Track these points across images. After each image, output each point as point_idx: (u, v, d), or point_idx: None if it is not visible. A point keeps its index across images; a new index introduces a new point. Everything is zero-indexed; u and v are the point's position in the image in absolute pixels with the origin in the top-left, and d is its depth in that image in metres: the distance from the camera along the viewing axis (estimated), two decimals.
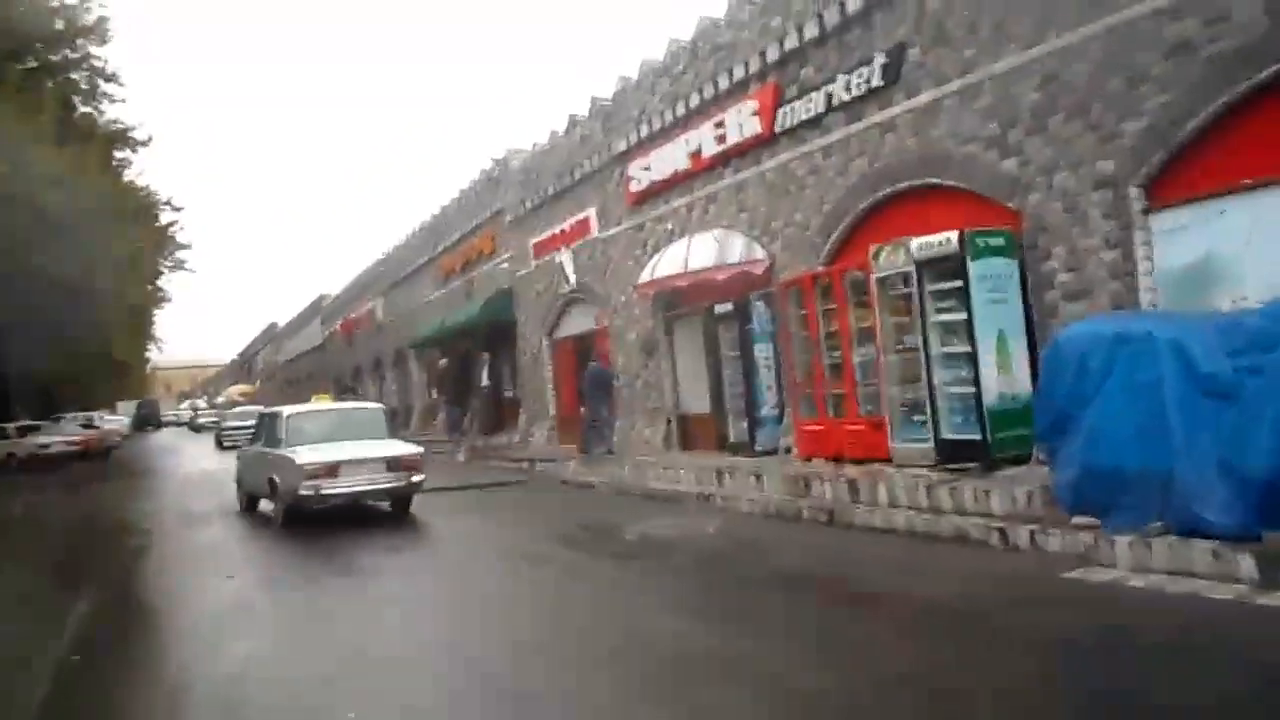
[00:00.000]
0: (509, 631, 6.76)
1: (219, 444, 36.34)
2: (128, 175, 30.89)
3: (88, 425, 41.00)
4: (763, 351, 13.72)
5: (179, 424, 68.54)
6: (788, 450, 13.27)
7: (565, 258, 19.75)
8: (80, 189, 25.42)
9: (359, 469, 12.11)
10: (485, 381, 22.74)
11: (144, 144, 30.33)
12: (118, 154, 30.76)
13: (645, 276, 15.48)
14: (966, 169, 10.38)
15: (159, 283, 39.29)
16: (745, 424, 13.89)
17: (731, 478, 12.23)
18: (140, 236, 29.96)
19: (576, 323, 20.29)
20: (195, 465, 27.60)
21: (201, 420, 56.11)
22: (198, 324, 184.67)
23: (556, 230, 20.14)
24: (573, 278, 19.62)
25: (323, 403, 15.30)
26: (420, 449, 13.02)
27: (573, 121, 19.30)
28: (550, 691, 5.25)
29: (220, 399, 70.06)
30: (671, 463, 14.19)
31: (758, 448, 13.56)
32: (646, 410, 17.42)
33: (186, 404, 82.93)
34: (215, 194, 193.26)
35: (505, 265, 22.84)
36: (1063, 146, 9.21)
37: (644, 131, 16.42)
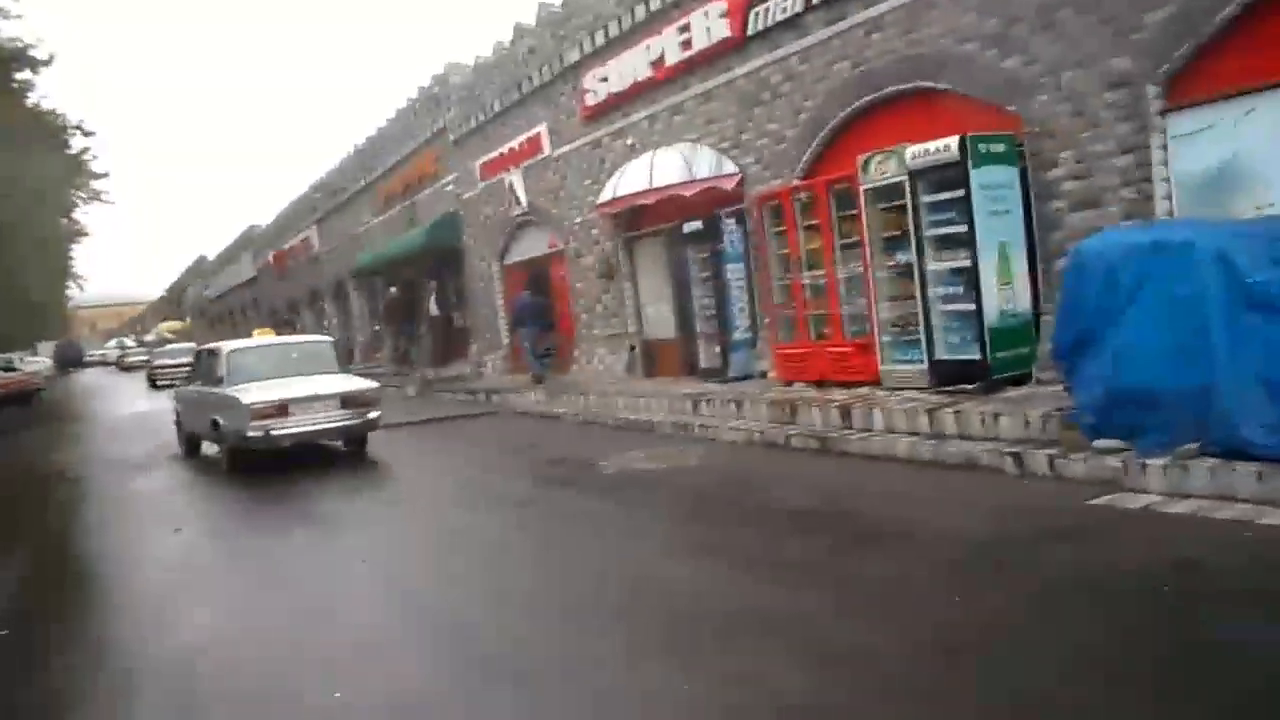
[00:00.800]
0: (498, 587, 6.10)
1: (151, 383, 34.85)
2: (30, 99, 28.63)
3: (7, 368, 39.08)
4: (735, 272, 13.04)
5: (106, 364, 66.18)
6: (763, 375, 12.73)
7: (515, 178, 18.72)
8: None
9: (310, 407, 11.27)
10: (434, 311, 21.74)
11: (45, 63, 28.05)
12: (17, 76, 28.48)
13: (606, 195, 14.61)
14: (963, 71, 9.66)
15: (74, 215, 37.17)
16: (717, 349, 13.27)
17: (709, 405, 11.64)
18: (49, 165, 27.98)
19: (529, 246, 19.36)
20: (128, 407, 26.30)
21: (130, 359, 53.97)
22: (122, 260, 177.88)
23: (505, 149, 19.05)
24: (524, 199, 18.63)
25: (266, 337, 14.22)
26: (375, 384, 12.18)
27: (519, 31, 18.10)
28: (561, 664, 4.60)
29: (150, 337, 67.44)
30: (639, 391, 13.55)
31: (731, 374, 12.98)
32: (606, 337, 16.71)
33: (114, 342, 79.93)
34: (134, 121, 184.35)
35: (450, 188, 21.69)
36: (1072, 43, 8.52)
37: (599, 40, 15.36)
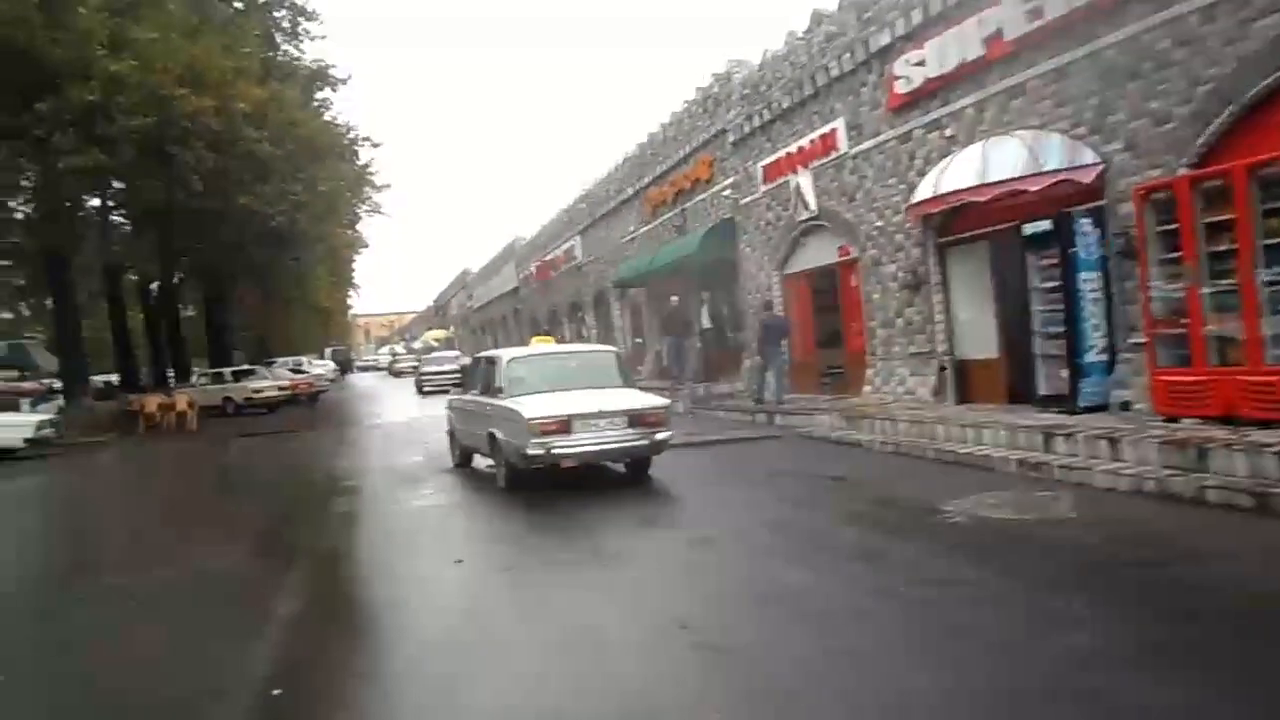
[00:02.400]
0: (889, 689, 4.38)
1: (419, 389, 36.00)
2: (328, 115, 30.22)
3: (296, 370, 41.89)
4: (1089, 281, 10.74)
5: (378, 369, 70.68)
6: (1125, 406, 10.38)
7: (803, 180, 17.06)
8: (283, 127, 24.69)
9: (595, 424, 10.05)
10: (705, 323, 20.44)
11: (343, 82, 29.59)
12: (318, 94, 30.12)
13: (922, 193, 12.63)
14: None
15: (358, 227, 39.26)
16: (1062, 372, 10.96)
17: (1068, 441, 9.43)
18: (340, 176, 29.30)
19: (814, 255, 17.63)
20: (398, 412, 26.83)
21: (400, 365, 56.98)
22: (393, 271, 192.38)
23: (792, 149, 17.45)
24: (812, 202, 16.92)
25: (546, 344, 13.28)
26: (665, 401, 10.83)
27: (816, 18, 16.44)
28: None
29: (417, 344, 71.35)
30: (963, 418, 11.45)
31: (1081, 402, 10.67)
32: (908, 355, 14.66)
33: (385, 349, 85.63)
34: (406, 138, 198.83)
35: (727, 193, 20.35)
36: None
37: (917, 18, 13.44)
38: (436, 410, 25.71)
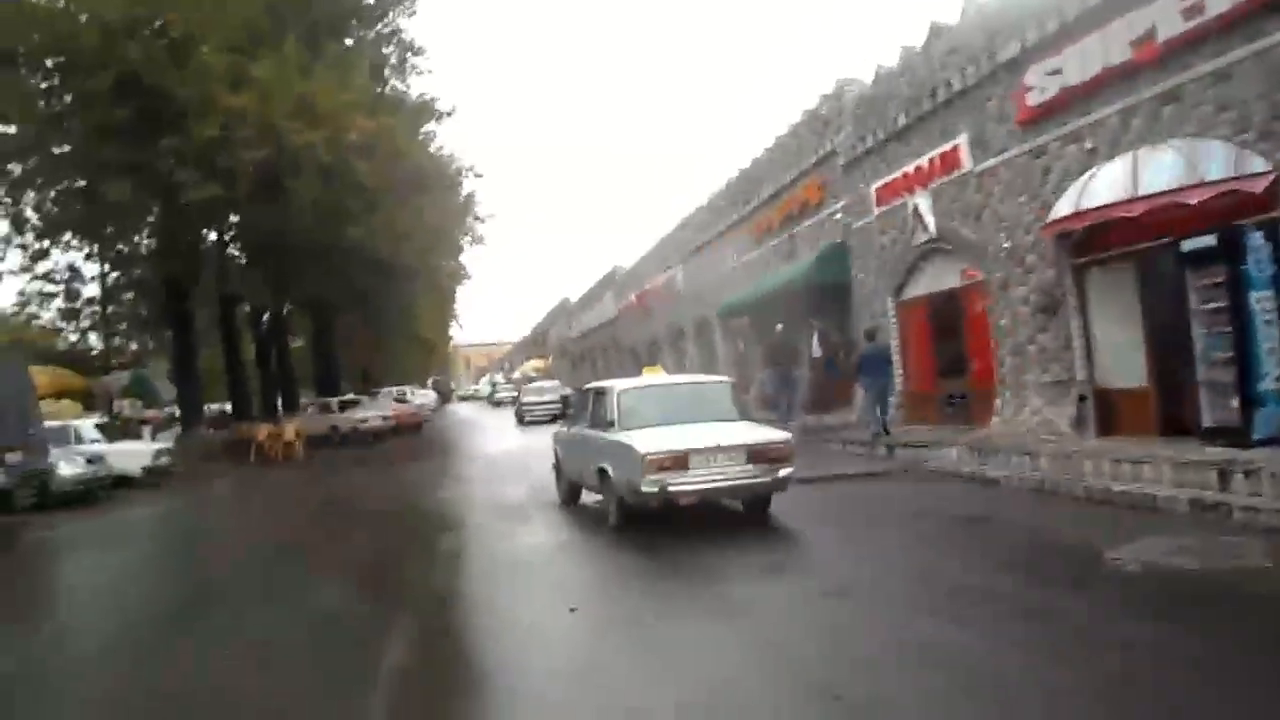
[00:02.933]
0: None
1: (519, 419, 35.93)
2: (432, 147, 30.52)
3: (400, 400, 42.41)
4: (1263, 302, 9.67)
5: (478, 398, 71.50)
6: None
7: (922, 201, 16.21)
8: (390, 160, 24.95)
9: (713, 459, 9.45)
10: (816, 352, 19.66)
11: (448, 115, 29.84)
12: (424, 127, 30.46)
13: (1063, 210, 11.70)
14: None
15: (460, 259, 39.60)
16: (1233, 402, 9.88)
17: (1248, 479, 8.41)
18: (445, 207, 29.51)
19: (934, 279, 16.72)
20: (500, 442, 26.71)
21: (500, 395, 57.38)
22: (493, 302, 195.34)
23: (909, 169, 16.63)
24: (932, 224, 16.05)
25: (657, 375, 12.74)
26: (787, 435, 10.15)
27: (935, 30, 15.66)
28: None
29: (516, 374, 71.95)
30: (1117, 453, 10.43)
31: (1256, 434, 9.56)
32: (1042, 384, 13.64)
33: (485, 379, 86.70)
34: (507, 164, 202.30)
35: (839, 217, 19.58)
36: None
37: (1052, 26, 12.57)
38: (538, 441, 25.49)
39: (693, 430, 9.87)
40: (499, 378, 78.15)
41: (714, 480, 9.43)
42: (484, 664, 6.07)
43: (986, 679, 4.94)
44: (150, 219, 25.71)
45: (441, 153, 30.29)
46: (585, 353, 57.16)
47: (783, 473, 9.65)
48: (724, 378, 11.82)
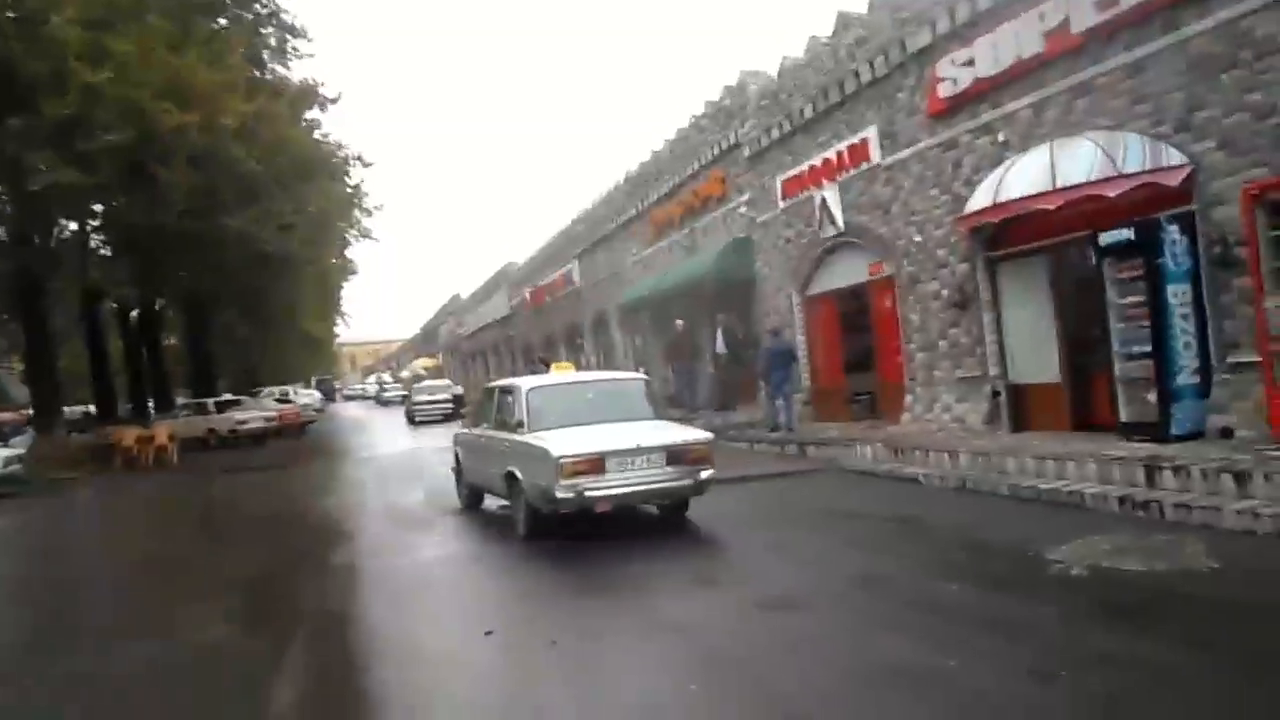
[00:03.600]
0: None
1: (410, 419, 34.76)
2: (317, 135, 28.98)
3: (283, 400, 40.47)
4: (1179, 295, 9.65)
5: (366, 398, 69.23)
6: (1226, 433, 9.29)
7: (829, 194, 15.95)
8: (269, 145, 23.49)
9: (632, 462, 8.85)
10: (720, 348, 19.26)
11: (333, 101, 28.31)
12: (307, 115, 28.90)
13: (979, 203, 11.51)
14: None
15: (347, 253, 37.99)
16: (1150, 396, 9.81)
17: (1179, 476, 8.27)
18: (330, 197, 28.01)
19: (841, 274, 16.50)
20: (391, 444, 25.57)
21: (388, 394, 55.59)
22: (379, 299, 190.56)
23: (815, 162, 16.36)
24: (839, 218, 15.81)
25: (566, 372, 12.03)
26: (708, 435, 9.60)
27: (843, 20, 15.39)
28: None
29: (405, 373, 69.90)
30: (1028, 449, 10.27)
31: (1174, 430, 9.53)
32: (955, 381, 13.51)
33: (372, 378, 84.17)
34: (392, 159, 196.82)
35: (743, 210, 19.21)
36: None
37: (964, 13, 12.40)
38: (431, 441, 24.56)
39: (608, 431, 9.26)
40: (386, 376, 75.95)
41: (632, 484, 8.83)
42: (390, 703, 5.30)
43: (977, 707, 4.45)
44: None
45: (327, 140, 28.72)
46: (477, 351, 55.85)
47: (704, 474, 9.11)
48: (638, 375, 11.22)
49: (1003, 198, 10.97)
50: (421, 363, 69.69)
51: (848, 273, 16.26)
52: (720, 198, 20.47)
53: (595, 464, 8.70)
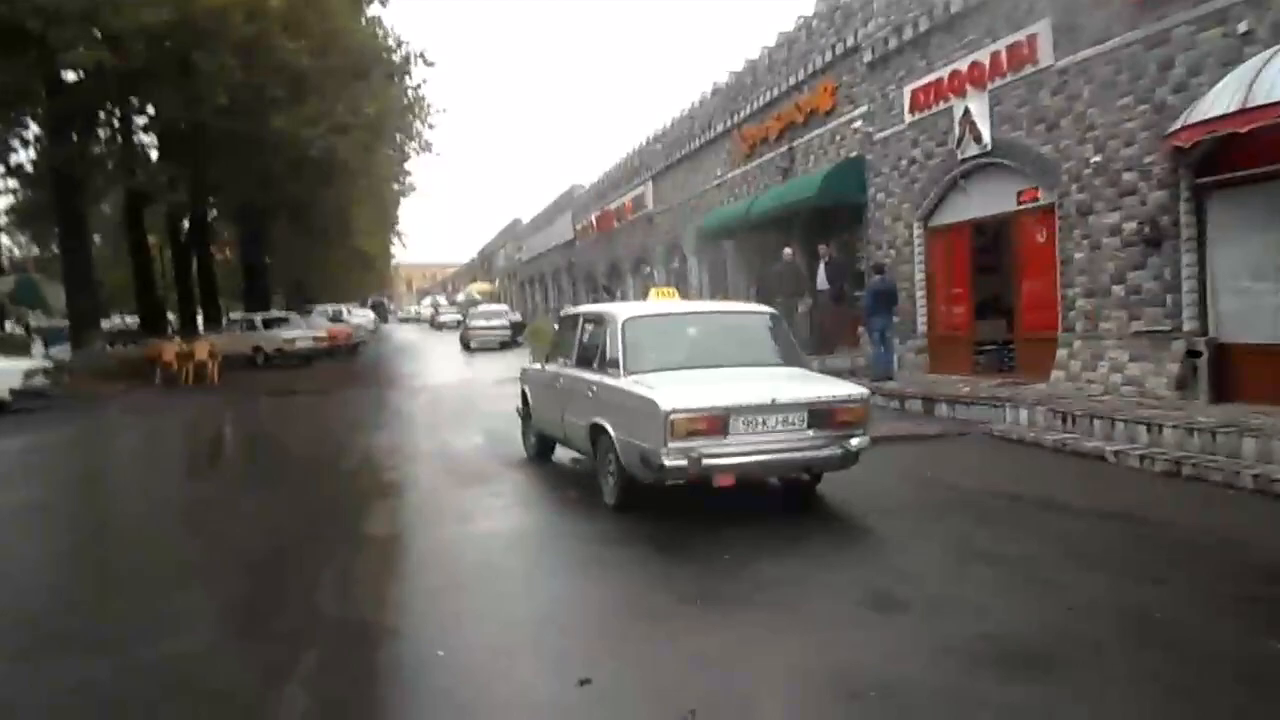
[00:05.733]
0: None
1: (464, 345, 32.99)
2: (378, 32, 26.57)
3: (335, 319, 38.90)
4: None
5: (420, 320, 67.73)
6: None
7: (975, 105, 13.34)
8: (322, 38, 21.25)
9: (764, 422, 6.64)
10: (823, 284, 16.84)
11: None
12: (366, 11, 26.55)
13: (1214, 108, 8.87)
14: None
15: (406, 166, 35.75)
16: None
17: None
18: (389, 99, 25.70)
19: (980, 202, 13.92)
20: (445, 372, 23.74)
21: (443, 318, 53.95)
22: (438, 220, 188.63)
23: (959, 66, 13.69)
24: (987, 134, 13.21)
25: (670, 300, 9.64)
26: (864, 390, 7.31)
27: None
28: None
29: (460, 297, 68.12)
30: (1246, 423, 7.84)
31: None
32: (1131, 335, 11.02)
33: (427, 300, 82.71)
34: (457, 72, 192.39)
35: (857, 124, 16.59)
36: None
37: None
38: (489, 371, 22.62)
39: (731, 379, 7.06)
40: (442, 299, 74.38)
41: (765, 450, 6.63)
42: None
43: None
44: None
45: (386, 36, 26.27)
46: (536, 276, 53.79)
47: (855, 442, 6.87)
48: (765, 308, 8.87)
49: (1260, 99, 8.33)
50: (478, 287, 67.96)
51: (989, 200, 13.67)
52: (829, 111, 17.84)
53: (717, 422, 6.51)
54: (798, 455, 6.76)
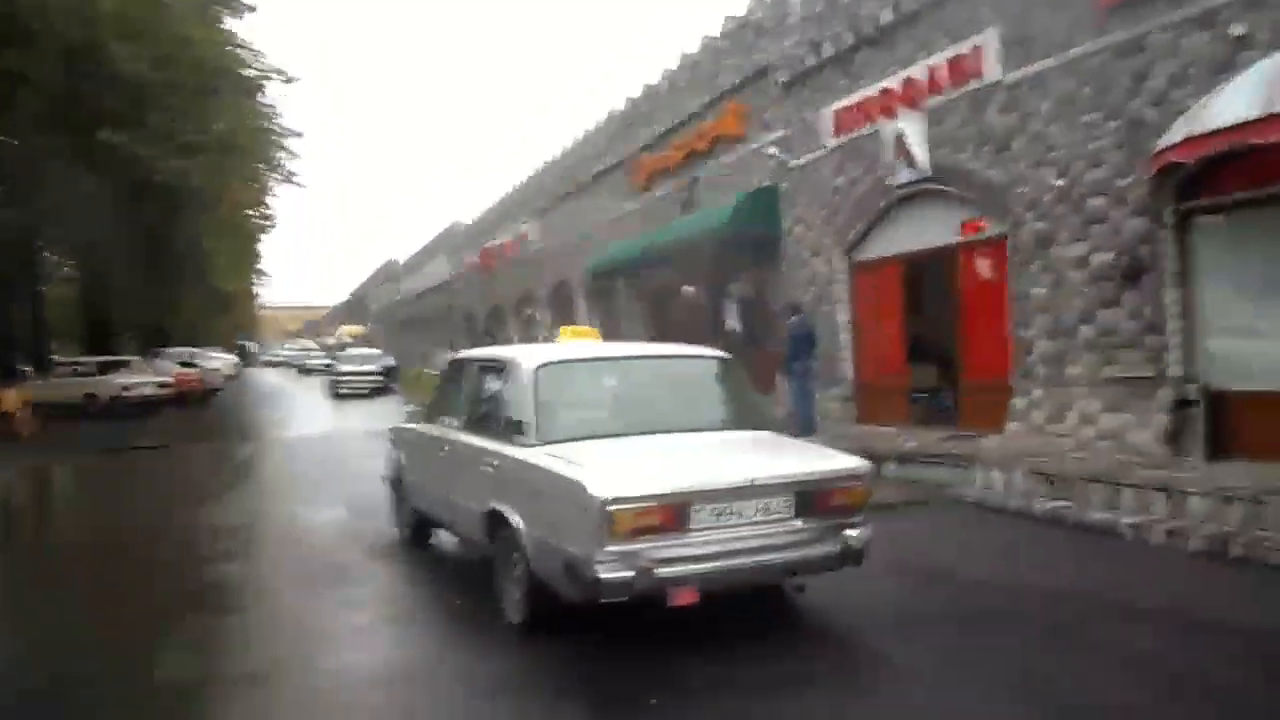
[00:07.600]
0: None
1: (334, 391, 30.32)
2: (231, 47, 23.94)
3: (187, 364, 35.29)
4: None
5: (287, 365, 63.74)
6: None
7: (909, 127, 11.99)
8: (169, 45, 18.71)
9: (739, 510, 4.76)
10: (733, 326, 15.19)
11: (250, 9, 23.32)
12: (221, 21, 23.91)
13: (1225, 118, 7.55)
14: None
15: (267, 199, 32.84)
16: None
17: None
18: (242, 114, 23.02)
19: (913, 232, 12.55)
20: (309, 423, 21.15)
21: (310, 362, 50.51)
22: (307, 262, 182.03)
23: (889, 84, 12.36)
24: (923, 158, 11.86)
25: (587, 340, 7.56)
26: (863, 462, 5.47)
27: None
28: None
29: (331, 340, 64.43)
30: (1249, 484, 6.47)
31: None
32: (1105, 381, 9.68)
33: (295, 344, 78.33)
34: (326, 105, 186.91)
35: (771, 151, 15.10)
36: None
37: None
38: (357, 420, 20.15)
39: (686, 449, 5.21)
40: (309, 343, 70.37)
41: (737, 552, 4.75)
42: None
43: None
44: None
45: (241, 48, 23.53)
46: (411, 319, 50.97)
47: (855, 534, 5.07)
48: (717, 352, 6.89)
49: (1252, 114, 7.02)
50: (349, 329, 64.66)
51: (926, 231, 12.30)
52: (737, 139, 16.36)
53: (673, 513, 4.61)
54: (781, 557, 4.90)
